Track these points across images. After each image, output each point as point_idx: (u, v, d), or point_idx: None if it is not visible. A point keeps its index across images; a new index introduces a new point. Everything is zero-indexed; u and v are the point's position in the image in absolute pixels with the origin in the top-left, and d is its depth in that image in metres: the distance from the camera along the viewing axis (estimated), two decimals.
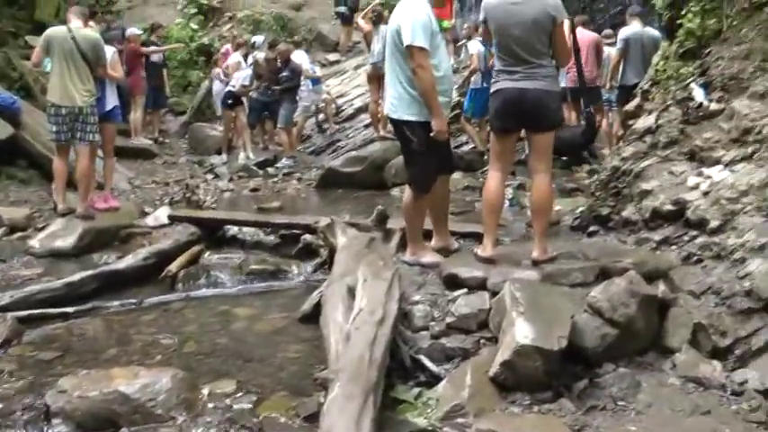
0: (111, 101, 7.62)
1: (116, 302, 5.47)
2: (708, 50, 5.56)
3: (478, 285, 4.44)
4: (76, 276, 5.69)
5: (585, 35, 9.28)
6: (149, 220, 7.20)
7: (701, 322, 3.99)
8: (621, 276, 4.01)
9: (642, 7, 9.87)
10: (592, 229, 5.74)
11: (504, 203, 5.41)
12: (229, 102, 12.37)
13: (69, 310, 5.24)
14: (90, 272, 5.81)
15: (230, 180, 10.92)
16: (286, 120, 11.88)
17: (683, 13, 5.78)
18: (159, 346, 4.64)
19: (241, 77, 12.34)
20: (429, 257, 5.04)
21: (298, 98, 12.17)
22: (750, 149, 4.87)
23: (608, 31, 10.96)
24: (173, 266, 6.02)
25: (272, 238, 6.90)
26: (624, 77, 8.83)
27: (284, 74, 11.88)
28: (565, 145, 6.80)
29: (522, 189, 7.66)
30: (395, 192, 9.09)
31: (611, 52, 9.59)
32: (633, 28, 8.82)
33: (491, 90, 4.78)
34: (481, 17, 4.77)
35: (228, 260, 6.32)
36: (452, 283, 4.59)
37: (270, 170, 11.63)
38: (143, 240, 6.73)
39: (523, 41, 4.53)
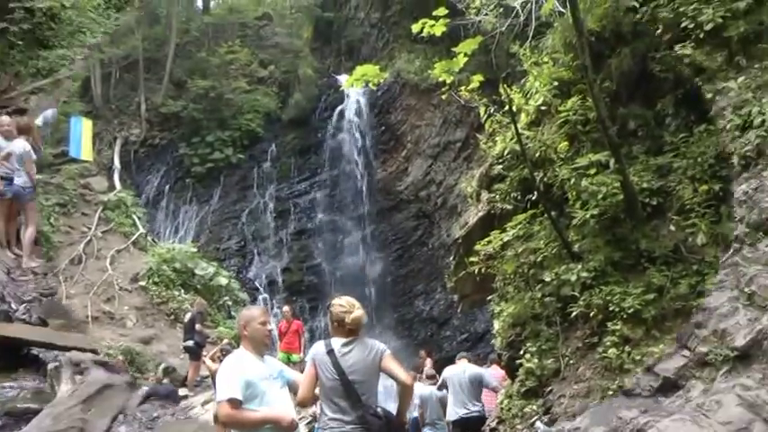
0: None
1: None
2: (549, 389, 5.65)
3: None
4: None
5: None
6: None
7: None
8: None
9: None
10: None
11: None
12: None
13: None
14: None
15: None
16: None
17: (521, 353, 5.96)
18: None
19: None
20: None
21: None
22: None
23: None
24: None
25: None
26: (449, 413, 9.05)
27: None
28: None
29: None
30: None
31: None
32: (455, 368, 9.27)
33: None
34: (309, 364, 4.66)
35: None
36: None
37: None
38: None
39: (357, 386, 4.45)
